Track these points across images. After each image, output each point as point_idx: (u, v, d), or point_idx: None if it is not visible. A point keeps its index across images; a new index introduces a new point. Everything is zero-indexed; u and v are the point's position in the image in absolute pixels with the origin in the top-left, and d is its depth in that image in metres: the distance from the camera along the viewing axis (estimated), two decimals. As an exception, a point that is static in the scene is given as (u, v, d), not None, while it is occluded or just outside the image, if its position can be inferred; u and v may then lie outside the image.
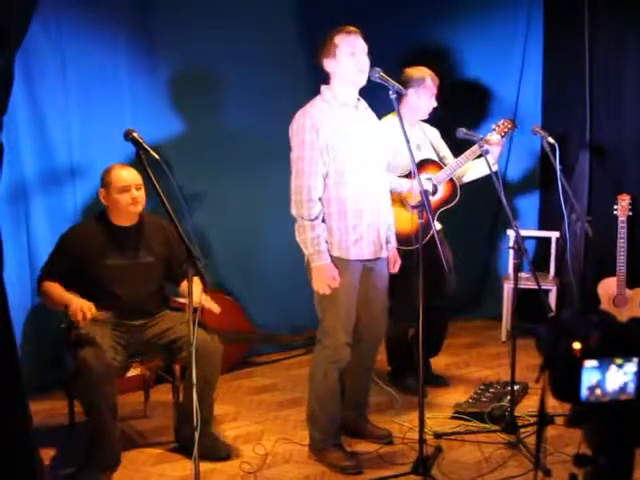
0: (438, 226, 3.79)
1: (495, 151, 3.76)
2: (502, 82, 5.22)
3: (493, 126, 3.90)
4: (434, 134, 4.01)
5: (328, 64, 3.07)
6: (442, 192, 3.82)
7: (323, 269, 2.99)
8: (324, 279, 2.99)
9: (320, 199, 3.00)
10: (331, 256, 3.02)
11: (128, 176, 3.23)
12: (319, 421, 3.20)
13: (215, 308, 3.22)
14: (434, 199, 3.79)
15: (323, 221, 3.01)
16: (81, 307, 3.02)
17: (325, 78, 3.14)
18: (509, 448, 3.27)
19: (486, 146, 3.61)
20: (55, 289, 3.18)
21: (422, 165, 3.77)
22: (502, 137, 3.84)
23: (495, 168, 3.84)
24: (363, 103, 3.16)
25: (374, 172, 3.12)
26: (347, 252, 3.05)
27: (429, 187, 3.73)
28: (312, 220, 2.97)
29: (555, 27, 5.05)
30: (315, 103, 3.07)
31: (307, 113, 3.01)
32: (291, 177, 3.04)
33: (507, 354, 3.44)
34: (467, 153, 3.76)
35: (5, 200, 3.77)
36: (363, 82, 3.05)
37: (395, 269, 3.32)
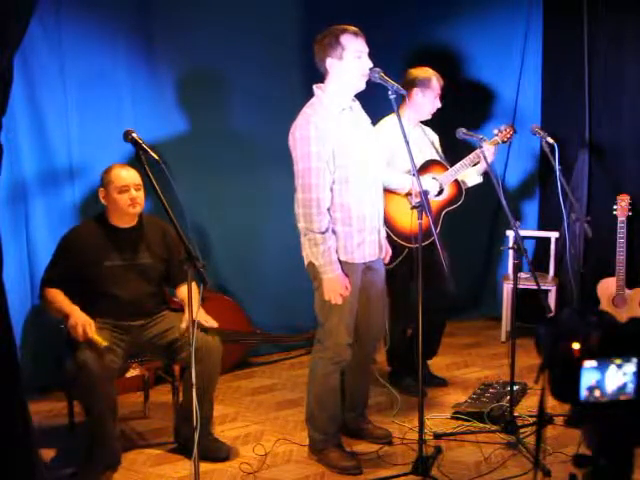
0: None
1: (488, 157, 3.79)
2: (501, 82, 5.22)
3: (495, 131, 3.92)
4: (434, 138, 4.02)
5: (331, 64, 2.97)
6: (447, 193, 3.83)
7: (336, 280, 2.96)
8: (337, 289, 2.97)
9: (328, 209, 2.97)
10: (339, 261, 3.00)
11: (127, 176, 3.22)
12: (319, 422, 3.19)
13: (213, 323, 3.20)
14: (439, 199, 3.80)
15: (333, 231, 2.98)
16: (81, 323, 3.03)
17: (321, 78, 3.09)
18: (509, 448, 3.27)
19: (485, 146, 3.66)
20: (57, 298, 3.18)
21: (427, 166, 3.79)
22: (504, 142, 3.92)
23: (480, 179, 3.94)
24: (357, 104, 3.13)
25: (373, 175, 3.12)
26: (352, 256, 3.04)
27: (435, 187, 3.74)
28: (323, 233, 2.93)
29: (554, 27, 5.05)
30: (315, 109, 2.99)
31: (310, 123, 2.91)
32: (296, 188, 2.97)
33: (507, 354, 3.44)
34: (471, 156, 3.78)
35: (5, 200, 3.77)
36: (363, 86, 3.01)
37: (387, 259, 3.32)
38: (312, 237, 2.94)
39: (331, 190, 2.97)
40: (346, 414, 3.36)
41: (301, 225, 2.97)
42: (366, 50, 2.99)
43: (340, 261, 3.00)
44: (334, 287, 2.97)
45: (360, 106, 3.15)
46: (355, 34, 2.97)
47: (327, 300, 3.00)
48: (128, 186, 3.21)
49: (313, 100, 3.05)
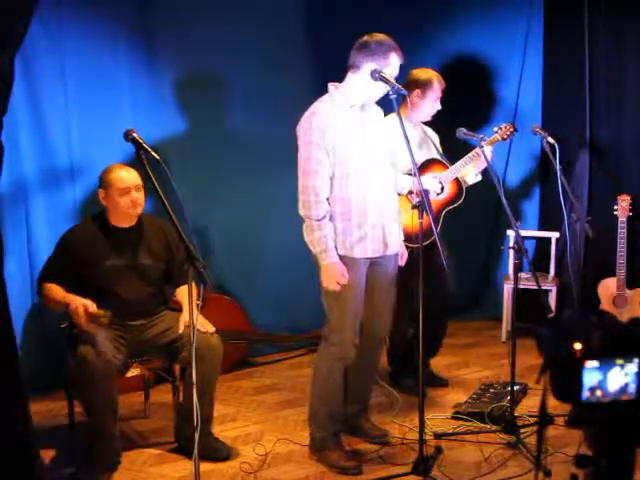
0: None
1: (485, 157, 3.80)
2: (502, 82, 5.22)
3: (495, 129, 3.93)
4: (435, 137, 4.02)
5: (369, 68, 3.00)
6: (448, 191, 3.84)
7: (331, 267, 3.02)
8: (333, 276, 3.02)
9: (327, 199, 3.03)
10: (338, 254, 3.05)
11: (128, 177, 3.22)
12: (319, 418, 3.21)
13: (210, 329, 3.21)
14: (440, 198, 3.80)
15: (330, 219, 3.04)
16: (81, 304, 3.03)
17: (331, 77, 3.11)
18: (509, 448, 3.27)
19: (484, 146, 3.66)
20: (55, 290, 3.18)
21: (428, 164, 3.79)
22: (504, 140, 3.92)
23: (479, 178, 3.94)
24: (372, 105, 3.16)
25: (379, 173, 3.14)
26: (351, 251, 3.07)
27: (437, 186, 3.75)
28: (319, 220, 3.00)
29: (555, 27, 5.05)
30: (323, 104, 3.07)
31: (315, 115, 3.01)
32: (298, 177, 3.05)
33: (507, 354, 3.43)
34: (471, 154, 3.79)
35: (5, 200, 3.77)
36: (374, 99, 3.13)
37: (402, 262, 3.33)
38: (310, 224, 3.03)
39: (332, 184, 3.03)
40: (347, 408, 3.36)
41: (301, 212, 3.06)
42: (395, 75, 3.05)
43: (340, 256, 3.04)
44: (330, 274, 3.02)
45: (373, 105, 3.17)
46: (400, 59, 3.05)
47: (325, 287, 3.04)
48: (129, 188, 3.20)
49: (324, 96, 3.12)
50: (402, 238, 3.32)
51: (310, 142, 2.99)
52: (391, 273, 3.27)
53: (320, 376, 3.20)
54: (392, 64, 3.03)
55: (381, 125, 3.22)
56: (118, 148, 3.47)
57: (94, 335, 3.03)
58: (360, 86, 3.06)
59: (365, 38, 3.06)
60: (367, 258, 3.12)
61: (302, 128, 3.03)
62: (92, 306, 3.05)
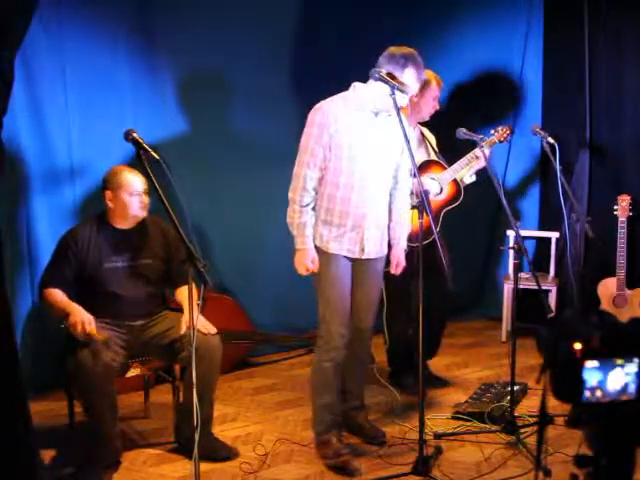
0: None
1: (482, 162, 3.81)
2: (502, 82, 5.22)
3: (492, 131, 3.94)
4: (431, 138, 4.02)
5: (385, 71, 3.01)
6: (446, 192, 3.84)
7: (302, 252, 3.14)
8: (302, 262, 3.14)
9: (315, 189, 3.11)
10: (315, 246, 3.14)
11: (138, 181, 3.24)
12: (316, 410, 3.25)
13: (212, 330, 3.21)
14: (439, 199, 3.81)
15: (313, 209, 3.13)
16: (81, 320, 3.04)
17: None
18: (509, 448, 3.27)
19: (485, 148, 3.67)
20: (57, 298, 3.18)
21: (426, 166, 3.80)
22: (501, 142, 3.96)
23: (473, 179, 3.96)
24: (389, 115, 3.11)
25: (375, 179, 3.14)
26: (326, 245, 3.14)
27: (436, 187, 3.76)
28: (302, 207, 3.11)
29: (555, 27, 5.05)
30: (333, 101, 3.11)
31: (320, 109, 3.09)
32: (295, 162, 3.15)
33: (507, 354, 3.44)
34: (469, 155, 3.80)
35: (6, 199, 3.77)
36: (387, 107, 3.07)
37: (397, 271, 3.34)
38: (293, 208, 3.14)
39: (324, 177, 3.09)
40: (345, 404, 3.38)
41: (289, 195, 3.15)
42: (413, 92, 3.07)
43: (316, 246, 3.14)
44: (300, 259, 3.14)
45: (390, 113, 3.09)
46: (417, 75, 3.04)
47: (300, 273, 3.16)
48: (139, 190, 3.22)
49: (342, 93, 3.17)
50: (404, 246, 3.33)
51: (309, 134, 3.08)
52: (375, 274, 3.29)
53: (313, 368, 3.27)
54: (405, 76, 3.01)
55: (395, 135, 3.10)
56: (118, 148, 3.47)
57: (93, 339, 3.03)
58: (371, 90, 3.08)
59: (392, 47, 3.08)
60: (344, 256, 3.16)
61: (309, 118, 3.11)
62: (91, 324, 3.05)
